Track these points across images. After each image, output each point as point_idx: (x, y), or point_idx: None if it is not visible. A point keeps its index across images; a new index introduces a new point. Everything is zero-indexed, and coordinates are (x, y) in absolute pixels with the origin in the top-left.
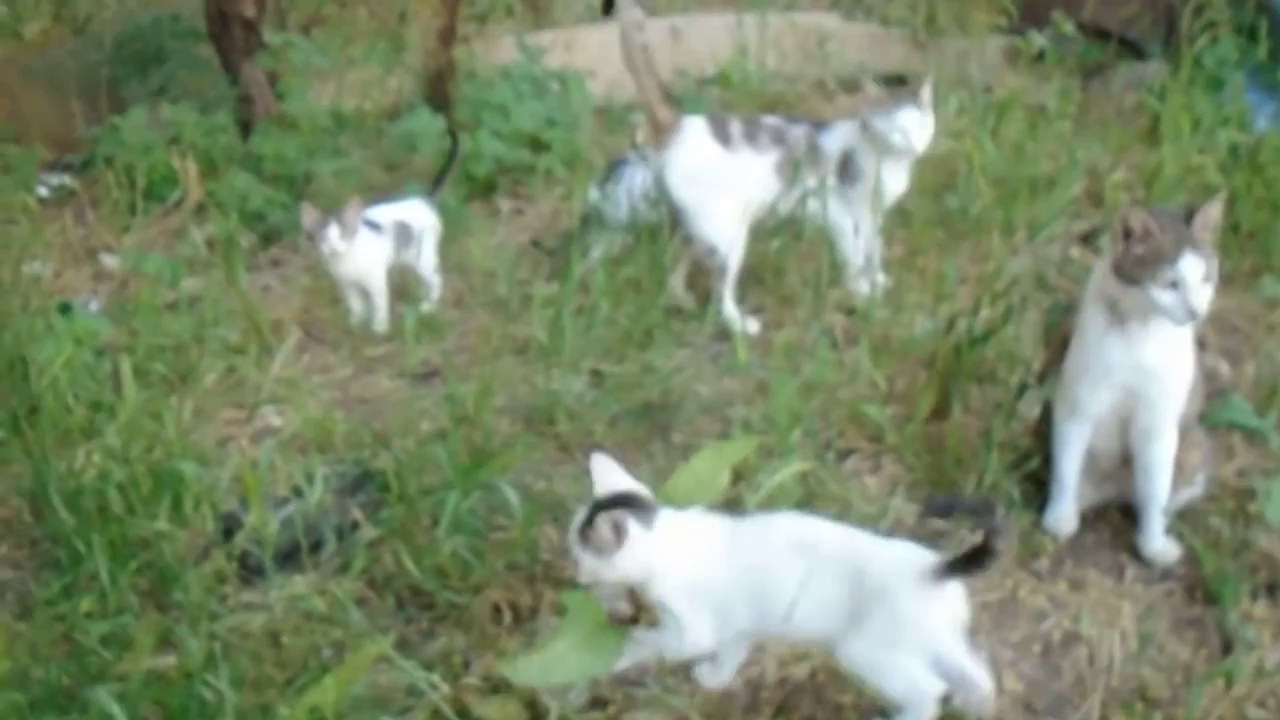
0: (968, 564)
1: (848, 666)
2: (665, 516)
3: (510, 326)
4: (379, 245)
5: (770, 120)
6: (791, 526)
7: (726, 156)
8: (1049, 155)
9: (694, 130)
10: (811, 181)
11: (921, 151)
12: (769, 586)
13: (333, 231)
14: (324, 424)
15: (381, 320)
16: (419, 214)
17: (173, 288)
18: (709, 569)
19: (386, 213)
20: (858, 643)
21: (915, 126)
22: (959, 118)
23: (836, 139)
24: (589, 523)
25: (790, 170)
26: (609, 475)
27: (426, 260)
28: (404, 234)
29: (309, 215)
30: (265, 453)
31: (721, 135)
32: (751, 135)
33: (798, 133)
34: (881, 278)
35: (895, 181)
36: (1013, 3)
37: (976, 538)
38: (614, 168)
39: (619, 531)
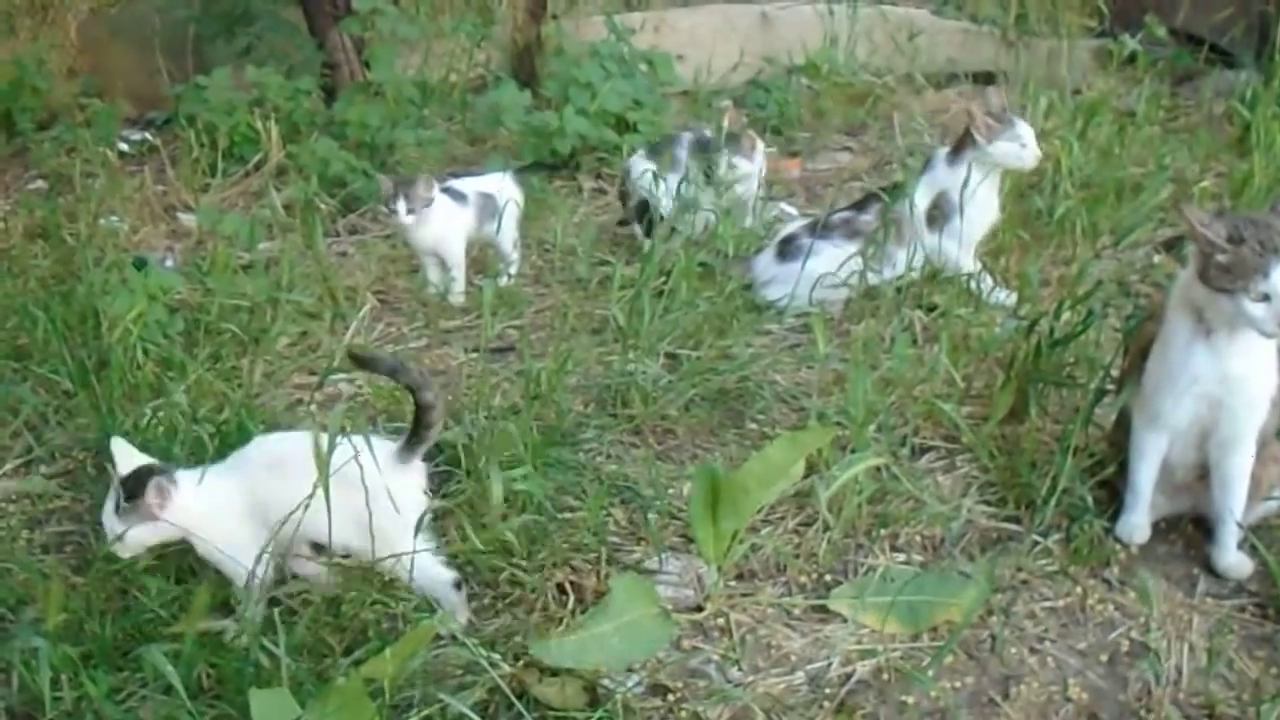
0: (417, 434)
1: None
2: (183, 476)
3: (587, 305)
4: (461, 216)
5: None
6: (264, 448)
7: None
8: (1136, 160)
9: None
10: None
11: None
12: (269, 506)
13: (400, 204)
14: (395, 393)
15: (459, 292)
16: (503, 187)
17: (249, 249)
18: (227, 508)
19: (471, 184)
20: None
21: (1030, 137)
22: (1047, 118)
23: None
24: (132, 495)
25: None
26: (128, 458)
27: (507, 234)
28: (488, 206)
29: (386, 185)
30: (335, 419)
31: None
32: None
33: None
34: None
35: (990, 209)
36: (1105, 5)
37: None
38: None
39: (164, 493)
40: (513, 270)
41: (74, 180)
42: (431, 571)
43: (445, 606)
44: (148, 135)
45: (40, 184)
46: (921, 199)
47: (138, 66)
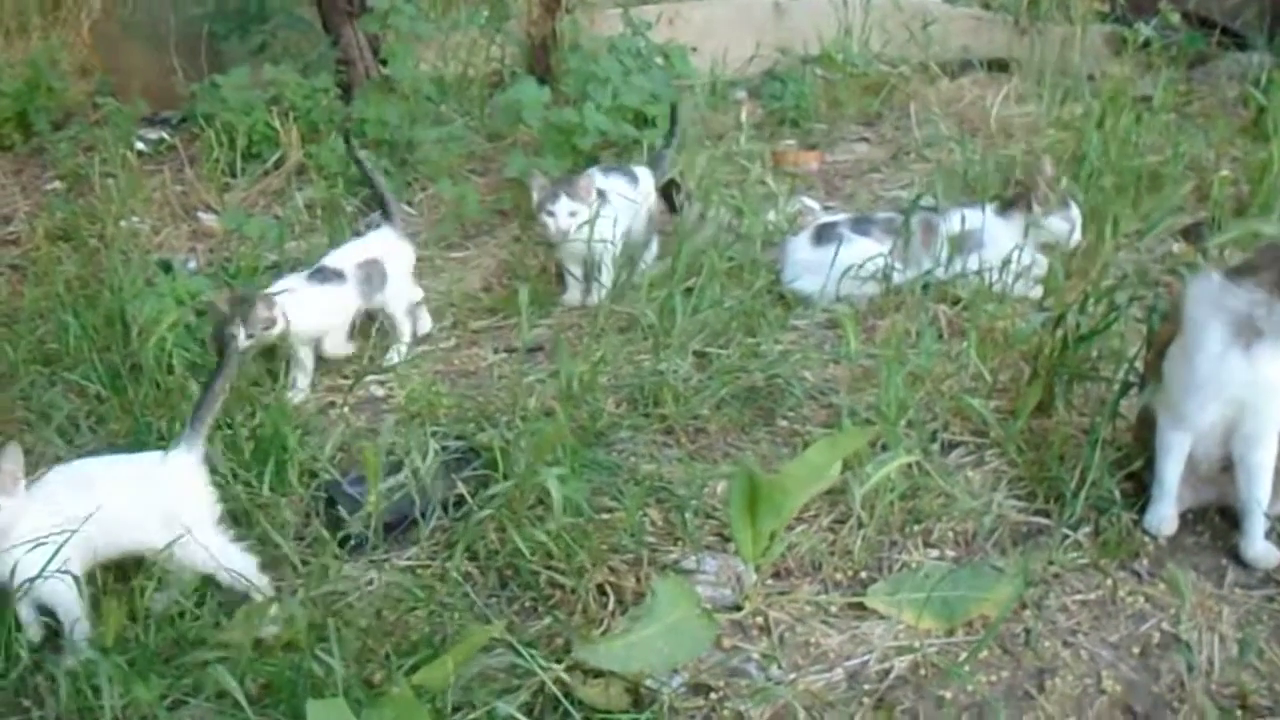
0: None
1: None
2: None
3: (616, 305)
4: (340, 298)
5: None
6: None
7: None
8: (1152, 148)
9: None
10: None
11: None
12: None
13: (240, 330)
14: (428, 396)
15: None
16: (390, 246)
17: (275, 250)
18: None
19: (349, 255)
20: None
21: (1078, 220)
22: (1063, 105)
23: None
24: None
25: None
26: None
27: (397, 300)
28: (374, 275)
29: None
30: (387, 428)
31: None
32: None
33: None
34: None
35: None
36: None
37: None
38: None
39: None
40: (405, 343)
41: (93, 180)
42: (239, 560)
43: (256, 594)
44: (165, 134)
45: (58, 184)
46: (954, 226)
47: (152, 65)
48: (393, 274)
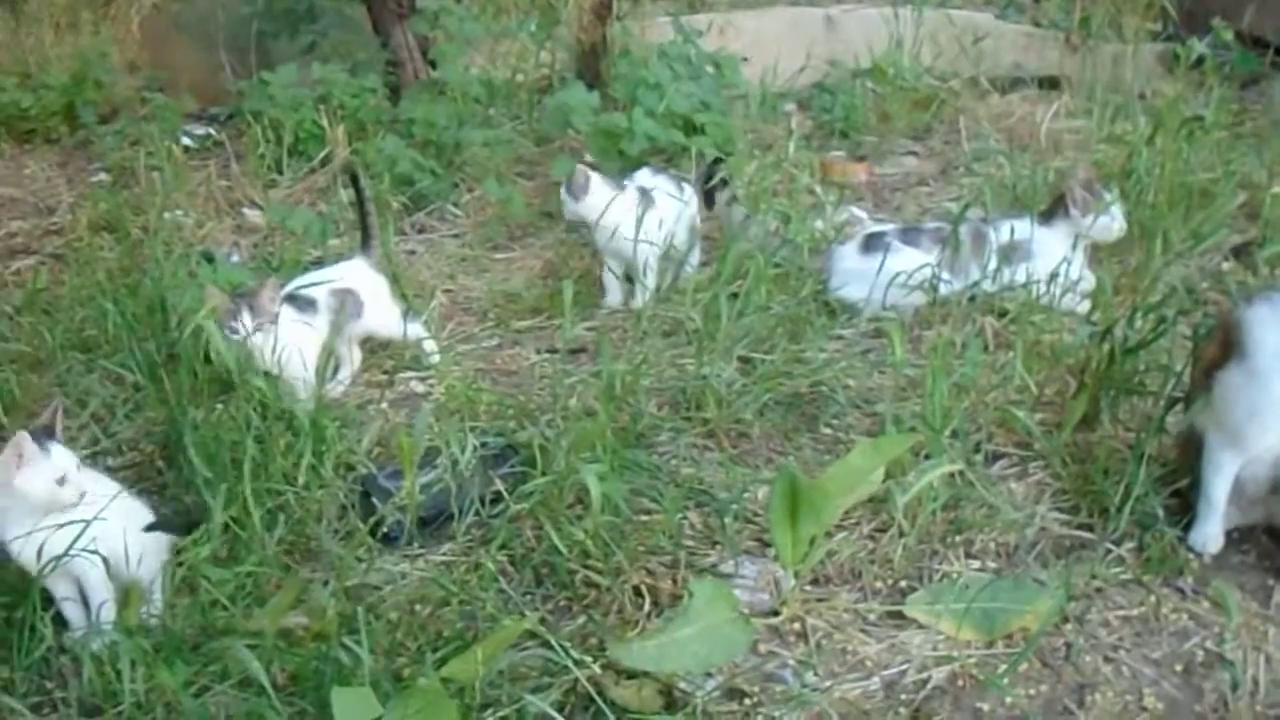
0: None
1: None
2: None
3: (659, 308)
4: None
5: None
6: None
7: None
8: (1204, 166)
9: None
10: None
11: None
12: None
13: (245, 320)
14: (468, 393)
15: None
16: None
17: (318, 246)
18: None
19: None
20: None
21: (1119, 210)
22: (1114, 122)
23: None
24: None
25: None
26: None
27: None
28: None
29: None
30: (422, 418)
31: None
32: None
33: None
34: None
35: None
36: (1172, 8)
37: None
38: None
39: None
40: (429, 338)
41: (138, 173)
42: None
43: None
44: (211, 130)
45: (103, 176)
46: (1003, 238)
47: (200, 62)
48: (369, 303)
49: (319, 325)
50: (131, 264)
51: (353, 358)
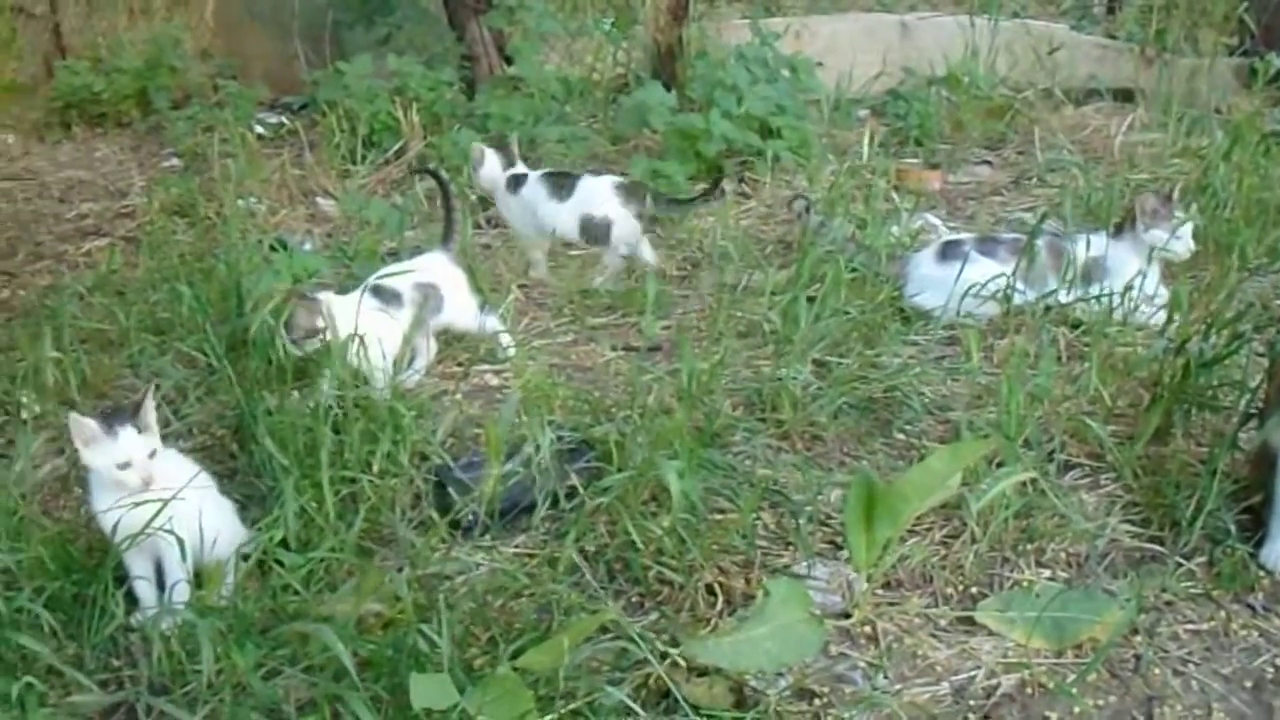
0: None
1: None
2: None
3: (735, 309)
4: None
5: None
6: None
7: None
8: None
9: None
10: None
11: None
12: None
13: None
14: (543, 387)
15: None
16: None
17: (394, 237)
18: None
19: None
20: None
21: (1188, 230)
22: (1189, 137)
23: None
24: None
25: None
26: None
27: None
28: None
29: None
30: (507, 408)
31: None
32: None
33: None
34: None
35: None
36: (1250, 22)
37: None
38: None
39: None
40: (504, 331)
41: (210, 159)
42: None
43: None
44: (284, 119)
45: (176, 161)
46: (1080, 252)
47: (274, 51)
48: (449, 297)
49: (401, 317)
50: (205, 248)
51: (429, 349)
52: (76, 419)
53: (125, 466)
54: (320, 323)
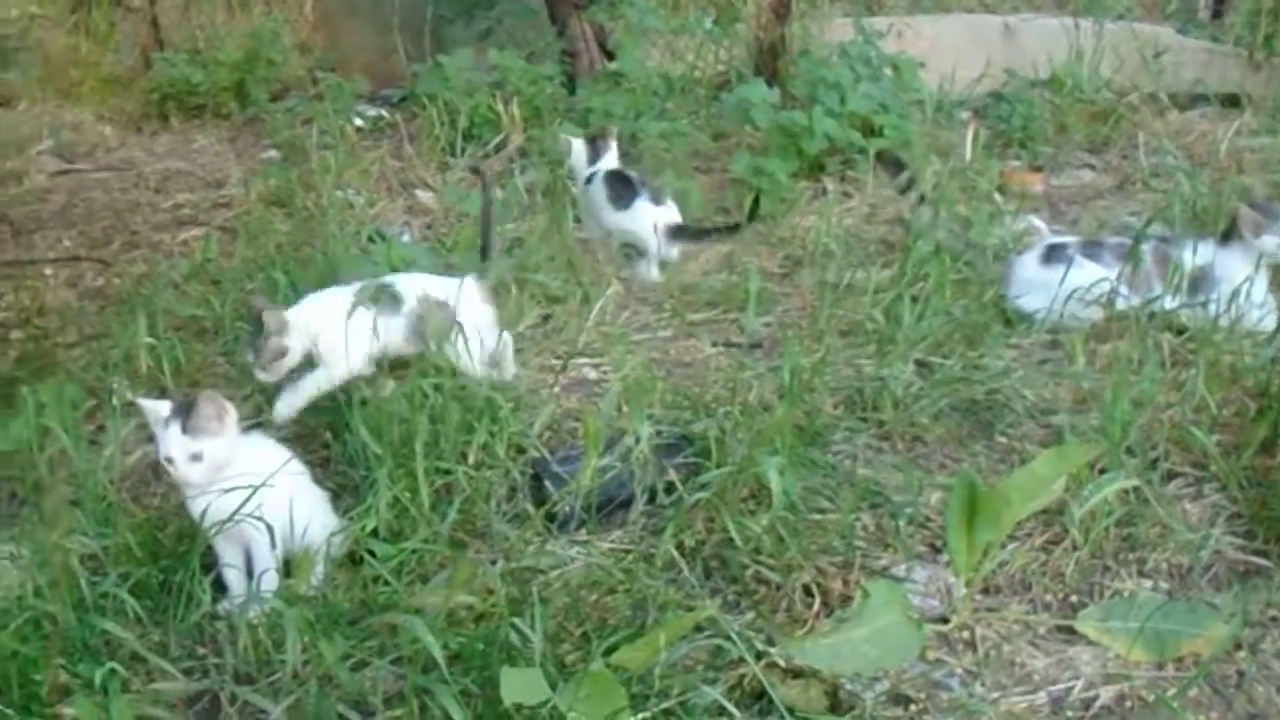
0: None
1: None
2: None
3: (837, 307)
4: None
5: None
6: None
7: None
8: None
9: None
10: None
11: None
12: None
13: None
14: (642, 382)
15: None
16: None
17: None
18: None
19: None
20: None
21: None
22: None
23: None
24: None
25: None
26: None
27: None
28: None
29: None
30: (609, 401)
31: None
32: None
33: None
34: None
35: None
36: None
37: None
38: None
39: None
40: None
41: (308, 151)
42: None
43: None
44: (383, 112)
45: (274, 153)
46: (1186, 258)
47: (373, 44)
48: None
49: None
50: (303, 239)
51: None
52: (143, 403)
53: (170, 462)
54: (289, 341)
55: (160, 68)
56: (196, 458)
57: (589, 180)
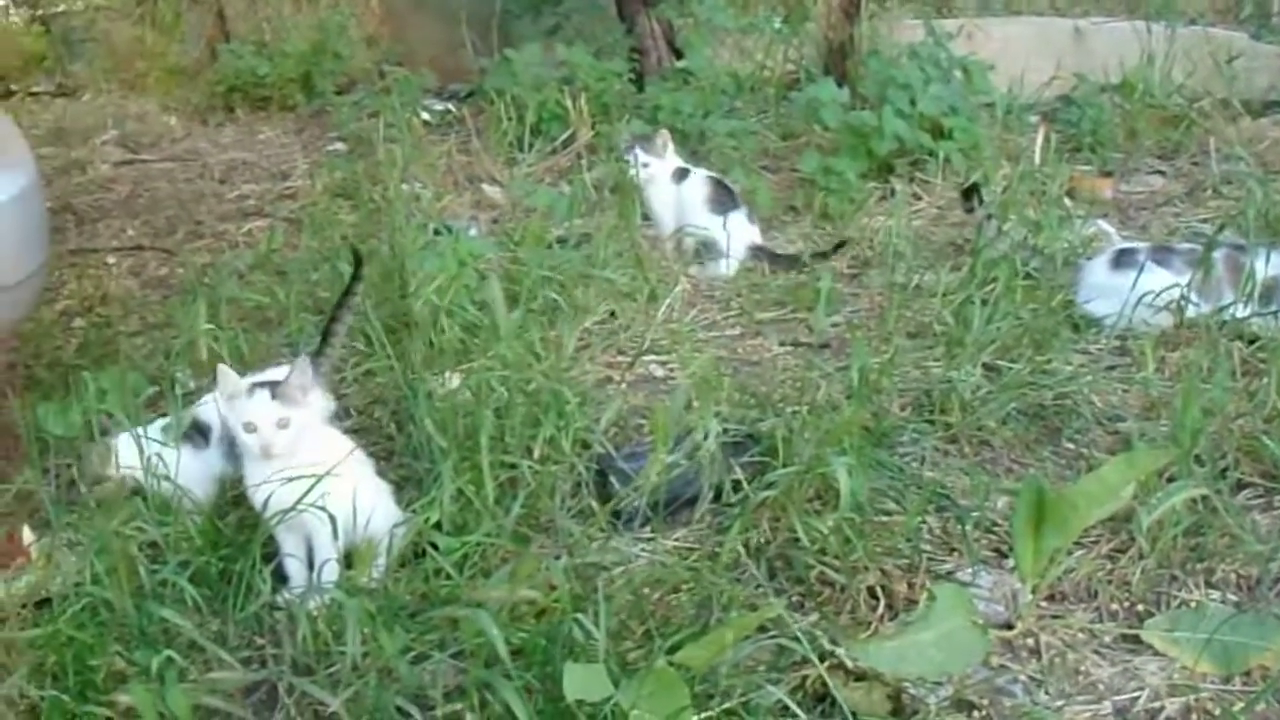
0: None
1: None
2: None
3: (905, 309)
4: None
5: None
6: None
7: None
8: None
9: None
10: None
11: None
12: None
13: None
14: (709, 379)
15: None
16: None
17: (562, 224)
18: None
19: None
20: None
21: None
22: None
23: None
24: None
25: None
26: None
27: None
28: None
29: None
30: (677, 397)
31: None
32: None
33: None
34: None
35: None
36: None
37: None
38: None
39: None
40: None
41: (375, 144)
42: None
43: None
44: (450, 106)
45: (340, 145)
46: (1260, 269)
47: (440, 39)
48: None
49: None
50: (369, 231)
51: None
52: (225, 370)
53: (251, 429)
54: (111, 470)
55: (226, 59)
56: (283, 424)
57: (682, 176)
